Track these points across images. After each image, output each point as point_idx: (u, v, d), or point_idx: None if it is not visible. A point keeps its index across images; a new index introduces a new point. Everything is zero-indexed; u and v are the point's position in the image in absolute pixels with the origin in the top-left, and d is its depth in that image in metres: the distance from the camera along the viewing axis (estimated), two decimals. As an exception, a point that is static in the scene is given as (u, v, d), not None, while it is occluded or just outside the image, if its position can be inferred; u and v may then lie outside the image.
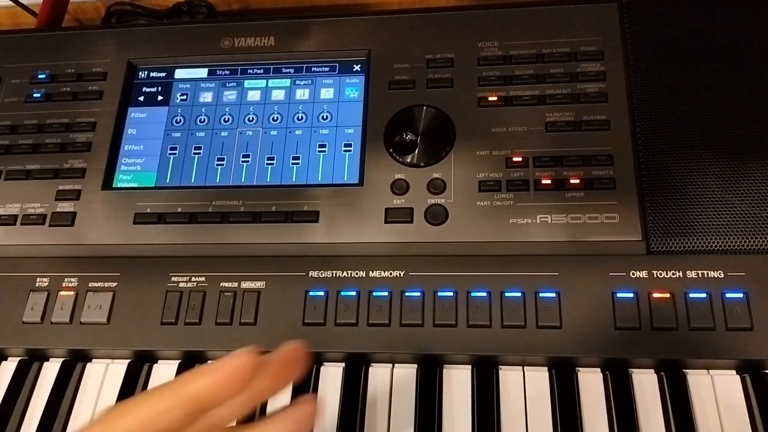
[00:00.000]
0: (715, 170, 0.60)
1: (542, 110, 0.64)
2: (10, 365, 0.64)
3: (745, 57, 0.63)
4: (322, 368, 0.60)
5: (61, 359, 0.64)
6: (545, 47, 0.66)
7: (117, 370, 0.62)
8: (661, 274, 0.57)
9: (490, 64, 0.66)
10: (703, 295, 0.56)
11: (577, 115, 0.63)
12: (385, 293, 0.60)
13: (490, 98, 0.65)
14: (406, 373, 0.59)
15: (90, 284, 0.64)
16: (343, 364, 0.60)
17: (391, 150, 0.65)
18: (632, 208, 0.59)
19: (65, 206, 0.67)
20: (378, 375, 0.59)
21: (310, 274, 0.62)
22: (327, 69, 0.70)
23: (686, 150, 0.61)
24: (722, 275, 0.57)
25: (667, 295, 0.56)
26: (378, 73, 0.68)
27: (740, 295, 0.55)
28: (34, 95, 0.73)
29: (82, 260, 0.65)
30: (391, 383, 0.59)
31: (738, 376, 0.55)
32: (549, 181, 0.61)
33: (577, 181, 0.61)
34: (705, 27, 0.65)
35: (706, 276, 0.57)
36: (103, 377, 0.63)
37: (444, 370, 0.59)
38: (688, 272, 0.57)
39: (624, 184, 0.60)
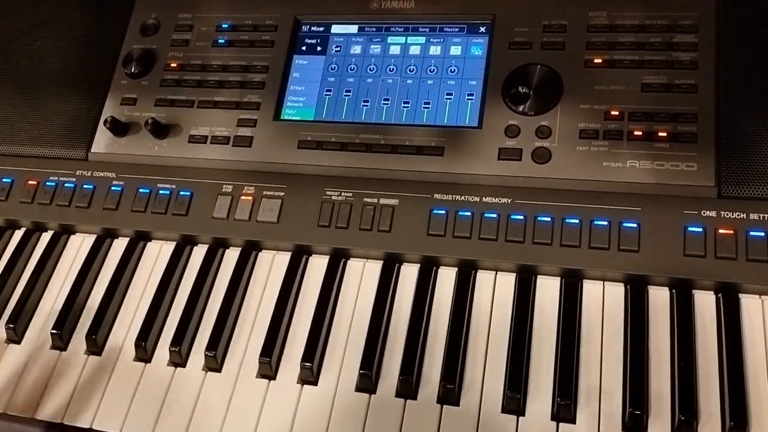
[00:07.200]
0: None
1: (640, 73, 0.76)
2: (200, 251, 0.85)
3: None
4: (439, 270, 0.77)
5: (239, 248, 0.83)
6: (647, 19, 0.77)
7: (282, 259, 0.81)
8: (727, 215, 0.69)
9: (597, 32, 0.78)
10: (762, 233, 0.67)
11: (670, 79, 0.75)
12: (494, 215, 0.75)
13: (596, 60, 0.77)
14: (506, 280, 0.75)
15: (264, 192, 0.83)
16: (456, 269, 0.76)
17: (506, 100, 0.79)
18: (709, 159, 0.71)
19: (244, 131, 0.86)
20: (484, 280, 0.75)
21: (434, 197, 0.78)
22: (457, 30, 0.84)
23: (763, 114, 0.71)
24: (781, 219, 0.68)
25: (731, 232, 0.68)
26: (500, 35, 0.82)
27: (794, 236, 0.67)
28: (219, 41, 0.91)
29: (257, 174, 0.84)
30: (494, 287, 0.75)
31: (786, 302, 0.68)
32: (640, 133, 0.74)
33: (665, 134, 0.73)
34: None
35: (766, 219, 0.68)
36: (270, 265, 0.82)
37: (537, 280, 0.74)
38: (751, 215, 0.69)
39: (704, 138, 0.72)
